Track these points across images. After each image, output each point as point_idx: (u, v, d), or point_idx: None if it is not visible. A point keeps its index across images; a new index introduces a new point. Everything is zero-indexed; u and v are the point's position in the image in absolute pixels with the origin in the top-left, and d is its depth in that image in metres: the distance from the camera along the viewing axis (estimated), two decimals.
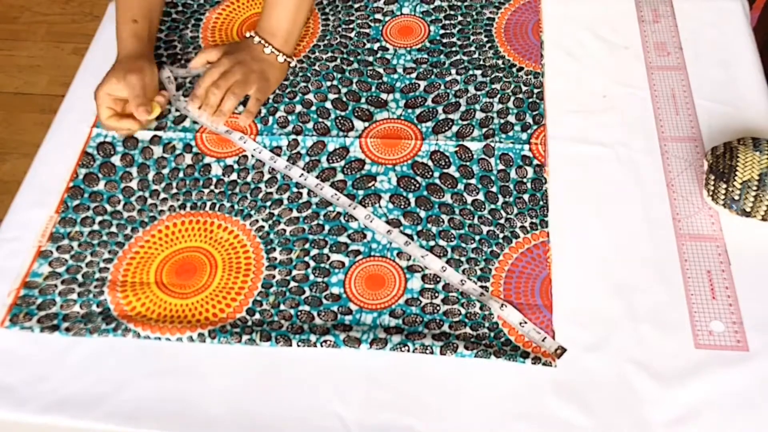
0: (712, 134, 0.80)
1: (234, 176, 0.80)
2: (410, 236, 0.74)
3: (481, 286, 0.70)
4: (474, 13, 0.94)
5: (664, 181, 0.77)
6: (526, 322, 0.67)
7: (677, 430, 0.61)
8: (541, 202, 0.76)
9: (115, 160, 0.82)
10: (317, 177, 0.79)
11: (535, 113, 0.83)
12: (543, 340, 0.66)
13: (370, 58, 0.90)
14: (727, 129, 0.80)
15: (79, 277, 0.73)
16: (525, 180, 0.78)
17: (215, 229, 0.76)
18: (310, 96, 0.87)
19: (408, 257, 0.73)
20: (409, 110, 0.85)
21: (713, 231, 0.73)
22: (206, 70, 0.86)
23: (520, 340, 0.67)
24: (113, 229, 0.77)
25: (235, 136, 0.83)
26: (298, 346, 0.67)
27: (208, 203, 0.78)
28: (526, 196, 0.76)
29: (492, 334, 0.68)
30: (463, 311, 0.69)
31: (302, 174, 0.79)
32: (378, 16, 0.95)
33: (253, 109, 0.84)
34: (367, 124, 0.84)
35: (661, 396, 0.63)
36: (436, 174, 0.79)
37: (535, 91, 0.85)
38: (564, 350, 0.65)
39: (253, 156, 0.81)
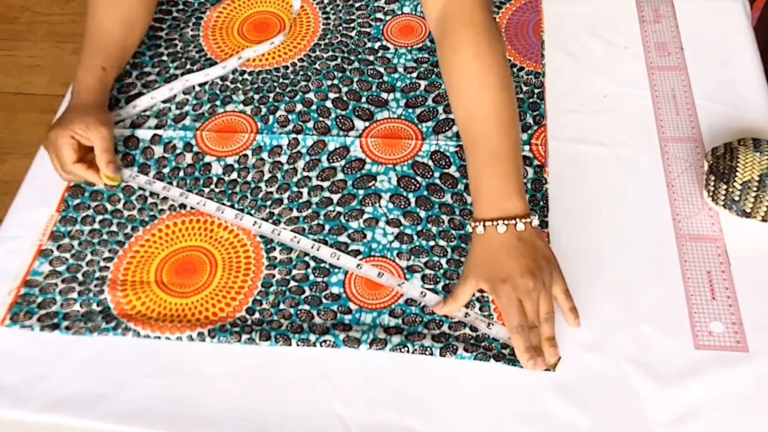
0: (713, 135, 0.80)
1: (234, 175, 0.80)
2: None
3: (480, 296, 0.70)
4: None
5: (664, 182, 0.77)
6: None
7: (677, 430, 0.61)
8: (541, 203, 0.76)
9: (116, 159, 0.82)
10: (317, 177, 0.79)
11: (535, 113, 0.83)
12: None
13: (371, 58, 0.90)
14: (728, 129, 0.80)
15: (80, 276, 0.73)
16: (525, 180, 0.78)
17: (215, 228, 0.76)
18: (311, 95, 0.87)
19: (408, 257, 0.73)
20: (410, 110, 0.85)
21: (713, 231, 0.73)
22: (507, 318, 0.66)
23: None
24: (113, 228, 0.77)
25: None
26: (298, 345, 0.67)
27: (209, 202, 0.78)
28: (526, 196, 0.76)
29: (491, 336, 0.67)
30: (462, 311, 0.69)
31: (259, 224, 0.76)
32: (379, 15, 0.95)
33: (568, 303, 0.67)
34: (367, 123, 0.84)
35: (661, 396, 0.63)
36: (437, 174, 0.79)
37: (536, 91, 0.85)
38: (558, 360, 0.65)
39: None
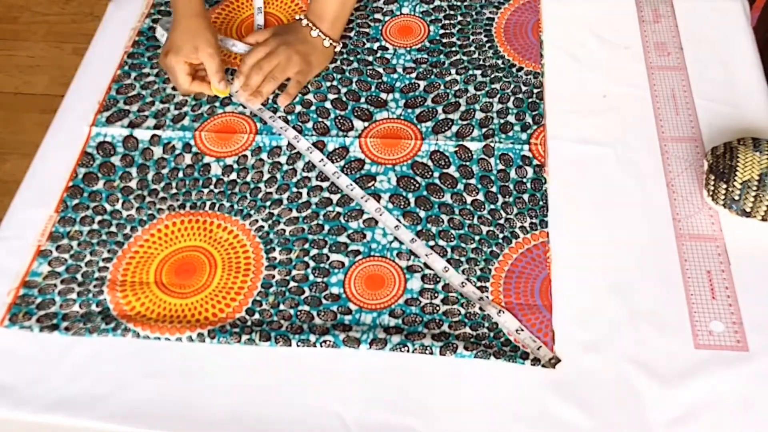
0: (712, 134, 0.80)
1: (233, 176, 0.80)
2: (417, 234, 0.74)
3: (481, 287, 0.70)
4: (474, 12, 0.94)
5: (664, 181, 0.77)
6: (522, 330, 0.67)
7: (677, 430, 0.61)
8: (540, 203, 0.76)
9: (115, 160, 0.82)
10: (317, 177, 0.79)
11: (534, 113, 0.83)
12: (538, 349, 0.66)
13: (370, 58, 0.90)
14: (727, 129, 0.80)
15: (79, 276, 0.73)
16: (525, 180, 0.78)
17: (215, 229, 0.76)
18: (310, 96, 0.87)
19: (408, 257, 0.73)
20: (409, 110, 0.84)
21: (713, 231, 0.73)
22: (252, 49, 0.88)
23: (520, 341, 0.67)
24: (113, 228, 0.77)
25: (266, 114, 0.85)
26: (298, 346, 0.67)
27: (208, 203, 0.78)
28: (525, 197, 0.76)
29: (492, 335, 0.67)
30: (462, 311, 0.69)
31: (322, 160, 0.80)
32: (378, 15, 0.95)
33: (292, 91, 0.86)
34: (366, 123, 0.84)
35: (661, 396, 0.63)
36: (436, 174, 0.79)
37: (535, 91, 0.85)
38: (558, 360, 0.65)
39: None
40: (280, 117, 0.85)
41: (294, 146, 0.82)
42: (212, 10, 0.97)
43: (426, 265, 0.72)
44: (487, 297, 0.70)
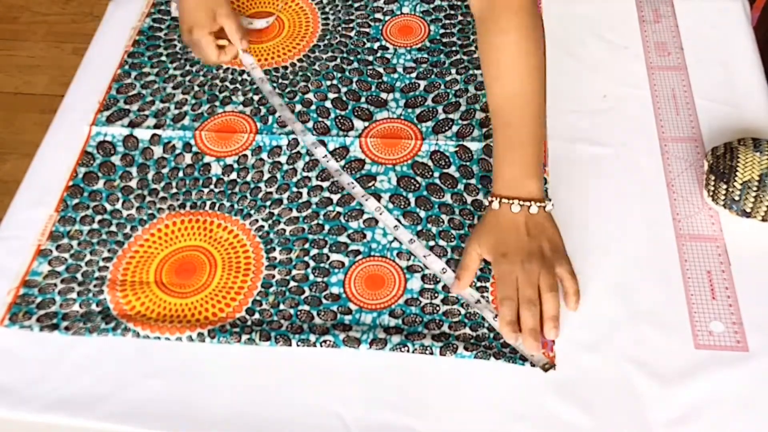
0: (713, 134, 0.80)
1: (234, 176, 0.80)
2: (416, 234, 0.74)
3: (481, 287, 0.70)
4: None
5: (664, 181, 0.77)
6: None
7: (677, 430, 0.61)
8: None
9: (115, 159, 0.82)
10: (317, 177, 0.79)
11: None
12: (533, 355, 0.66)
13: (370, 58, 0.90)
14: (728, 129, 0.80)
15: (79, 276, 0.73)
16: None
17: (215, 229, 0.76)
18: (310, 95, 0.87)
19: (408, 257, 0.73)
20: (409, 110, 0.84)
21: (713, 231, 0.73)
22: (500, 290, 0.67)
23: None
24: (113, 228, 0.77)
25: (276, 100, 0.85)
26: (298, 345, 0.67)
27: (208, 203, 0.78)
28: None
29: (492, 335, 0.67)
30: (462, 311, 0.69)
31: (326, 156, 0.80)
32: (378, 15, 0.95)
33: (574, 287, 0.67)
34: (367, 123, 0.84)
35: (661, 396, 0.63)
36: (436, 174, 0.79)
37: None
38: (552, 366, 0.65)
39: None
40: (288, 107, 0.85)
41: (300, 141, 0.82)
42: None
43: (426, 266, 0.72)
44: (486, 299, 0.70)
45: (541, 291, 0.66)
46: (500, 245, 0.68)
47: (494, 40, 0.76)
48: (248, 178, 0.80)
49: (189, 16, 0.87)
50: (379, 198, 0.77)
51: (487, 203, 0.72)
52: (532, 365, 0.65)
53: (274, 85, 0.88)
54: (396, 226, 0.75)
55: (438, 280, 0.71)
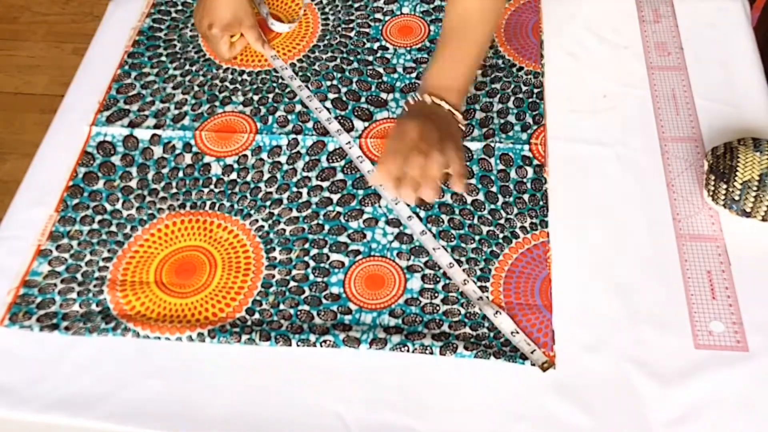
0: (713, 134, 0.80)
1: (234, 176, 0.80)
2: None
3: (481, 286, 0.70)
4: None
5: (664, 181, 0.77)
6: (518, 332, 0.67)
7: (677, 430, 0.61)
8: (541, 202, 0.76)
9: (115, 159, 0.82)
10: (317, 177, 0.79)
11: (535, 113, 0.83)
12: (532, 352, 0.66)
13: (370, 58, 0.90)
14: (728, 129, 0.80)
15: (79, 276, 0.73)
16: (525, 180, 0.78)
17: (215, 229, 0.76)
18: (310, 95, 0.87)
19: (408, 257, 0.73)
20: None
21: (713, 231, 0.73)
22: (393, 143, 0.69)
23: (515, 343, 0.67)
24: (113, 228, 0.77)
25: (304, 93, 0.86)
26: (298, 345, 0.67)
27: (208, 203, 0.78)
28: (526, 196, 0.76)
29: (491, 335, 0.67)
30: (462, 311, 0.69)
31: (349, 142, 0.81)
32: (378, 15, 0.95)
33: (461, 170, 0.68)
34: (367, 123, 0.84)
35: (661, 396, 0.63)
36: None
37: (535, 90, 0.85)
38: (551, 365, 0.65)
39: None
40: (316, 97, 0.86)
41: (327, 129, 0.83)
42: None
43: (426, 265, 0.72)
44: (487, 297, 0.70)
45: (428, 161, 0.66)
46: (411, 115, 0.73)
47: None
48: (248, 178, 0.80)
49: (213, 12, 0.87)
50: (379, 198, 0.77)
51: (414, 101, 0.74)
52: (532, 364, 0.65)
53: (274, 85, 0.88)
54: (410, 216, 0.75)
55: (438, 279, 0.71)
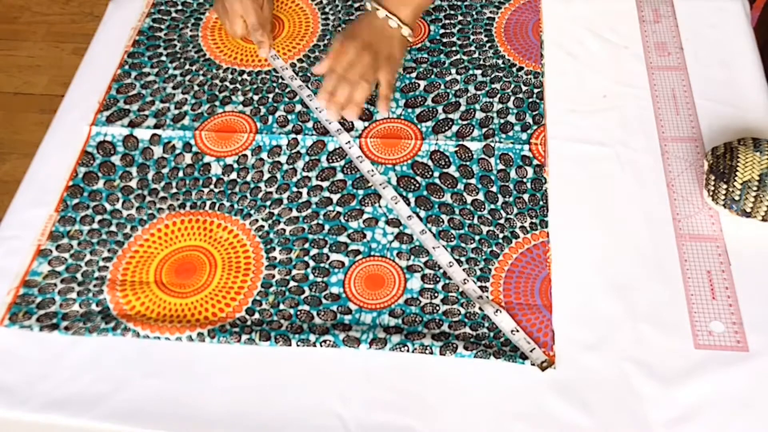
0: (713, 134, 0.80)
1: (234, 175, 0.80)
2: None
3: (481, 286, 0.70)
4: (474, 12, 0.94)
5: (664, 181, 0.77)
6: (517, 331, 0.67)
7: (677, 430, 0.61)
8: (541, 202, 0.76)
9: (115, 159, 0.82)
10: (317, 177, 0.79)
11: (535, 113, 0.83)
12: (531, 351, 0.66)
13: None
14: (728, 129, 0.80)
15: (79, 276, 0.73)
16: (525, 180, 0.78)
17: (215, 229, 0.76)
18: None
19: (408, 257, 0.73)
20: (409, 110, 0.84)
21: (713, 231, 0.73)
22: (330, 61, 0.82)
23: (514, 342, 0.67)
24: (113, 228, 0.77)
25: (305, 92, 0.87)
26: (298, 345, 0.67)
27: (208, 203, 0.78)
28: (526, 196, 0.76)
29: (491, 334, 0.67)
30: (462, 311, 0.69)
31: (349, 142, 0.82)
32: None
33: (388, 93, 0.82)
34: (366, 123, 0.84)
35: (661, 396, 0.63)
36: (436, 174, 0.79)
37: (535, 90, 0.85)
38: (549, 364, 0.65)
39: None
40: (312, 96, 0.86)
41: (327, 128, 0.83)
42: (212, 11, 0.97)
43: (426, 265, 0.72)
44: (487, 296, 0.70)
45: (357, 77, 0.79)
46: (356, 32, 0.83)
47: None
48: (248, 178, 0.80)
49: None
50: (379, 198, 0.77)
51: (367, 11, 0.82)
52: (532, 364, 0.65)
53: (274, 84, 0.88)
54: (410, 216, 0.75)
55: (438, 279, 0.71)
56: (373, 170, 0.78)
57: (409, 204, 0.76)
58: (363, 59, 0.80)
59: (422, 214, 0.76)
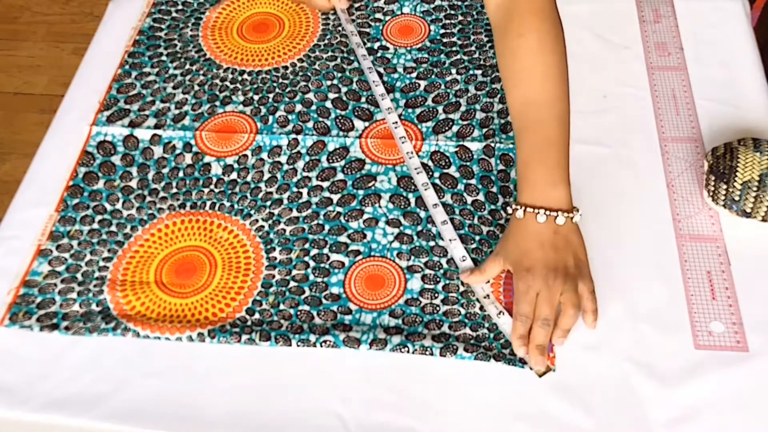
0: (713, 134, 0.80)
1: (234, 175, 0.80)
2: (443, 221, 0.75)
3: (482, 287, 0.70)
4: (474, 12, 0.94)
5: (664, 182, 0.77)
6: None
7: (677, 430, 0.61)
8: None
9: (115, 159, 0.82)
10: (317, 177, 0.79)
11: None
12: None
13: (371, 58, 0.90)
14: (728, 129, 0.80)
15: (79, 276, 0.73)
16: None
17: (215, 229, 0.76)
18: (310, 95, 0.87)
19: (408, 257, 0.73)
20: (410, 110, 0.84)
21: (713, 231, 0.73)
22: (516, 305, 0.66)
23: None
24: (113, 228, 0.77)
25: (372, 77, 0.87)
26: (298, 346, 0.67)
27: (208, 203, 0.78)
28: None
29: (492, 336, 0.67)
30: (462, 312, 0.69)
31: (402, 137, 0.81)
32: (378, 15, 0.95)
33: (593, 307, 0.66)
34: (367, 123, 0.84)
35: (661, 396, 0.63)
36: (437, 174, 0.79)
37: None
38: (549, 369, 0.65)
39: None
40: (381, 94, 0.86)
41: (379, 107, 0.84)
42: (213, 9, 0.97)
43: (426, 265, 0.72)
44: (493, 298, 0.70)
45: (563, 306, 0.65)
46: (524, 259, 0.66)
47: (512, 44, 0.75)
48: (248, 178, 0.80)
49: None
50: (379, 198, 0.77)
51: (510, 211, 0.70)
52: (531, 369, 0.65)
53: (275, 84, 0.88)
54: (435, 204, 0.75)
55: (438, 280, 0.71)
56: (411, 152, 0.79)
57: (409, 205, 0.76)
58: (556, 285, 0.65)
59: (422, 214, 0.76)
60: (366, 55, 0.88)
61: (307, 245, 0.74)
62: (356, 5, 0.96)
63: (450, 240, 0.73)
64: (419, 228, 0.75)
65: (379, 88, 0.85)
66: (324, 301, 0.71)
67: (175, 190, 0.80)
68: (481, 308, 0.69)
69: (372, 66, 0.86)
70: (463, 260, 0.72)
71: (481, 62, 0.88)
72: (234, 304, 0.71)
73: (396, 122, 0.82)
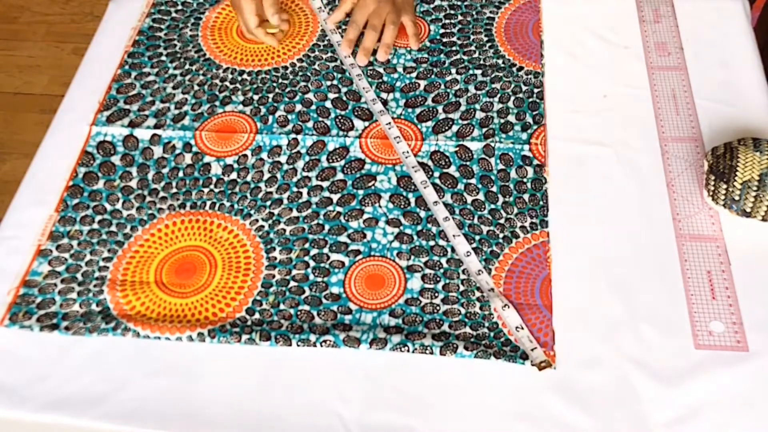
0: (713, 134, 0.80)
1: (234, 175, 0.80)
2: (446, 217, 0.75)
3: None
4: (474, 12, 0.94)
5: (664, 181, 0.77)
6: (522, 328, 0.67)
7: (677, 430, 0.61)
8: (541, 202, 0.76)
9: (115, 159, 0.82)
10: (317, 177, 0.79)
11: (535, 113, 0.83)
12: (532, 350, 0.66)
13: (371, 58, 0.90)
14: (728, 129, 0.80)
15: (79, 276, 0.73)
16: (525, 180, 0.78)
17: (215, 229, 0.76)
18: (310, 95, 0.87)
19: (408, 257, 0.73)
20: (409, 110, 0.84)
21: (713, 231, 0.73)
22: (353, 14, 0.91)
23: (517, 339, 0.67)
24: (113, 228, 0.77)
25: (354, 72, 0.89)
26: (298, 345, 0.67)
27: (208, 203, 0.78)
28: (526, 196, 0.76)
29: (492, 334, 0.67)
30: (463, 311, 0.69)
31: (389, 123, 0.83)
32: None
33: (388, 40, 0.89)
34: (367, 123, 0.84)
35: (661, 396, 0.63)
36: (436, 174, 0.79)
37: (535, 90, 0.85)
38: (549, 364, 0.65)
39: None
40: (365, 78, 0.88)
41: (372, 111, 0.84)
42: (213, 9, 0.97)
43: (426, 265, 0.72)
44: (498, 290, 0.70)
45: (386, 23, 0.89)
46: None
47: None
48: (248, 178, 0.80)
49: None
50: (379, 198, 0.77)
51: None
52: (532, 364, 0.65)
53: (274, 84, 0.88)
54: (436, 202, 0.76)
55: (438, 279, 0.71)
56: (408, 152, 0.80)
57: (409, 205, 0.76)
58: (384, 7, 0.89)
59: (422, 214, 0.76)
60: (354, 64, 0.88)
61: (307, 245, 0.74)
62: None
63: (454, 236, 0.73)
64: (419, 228, 0.75)
65: (370, 93, 0.85)
66: (324, 300, 0.71)
67: (175, 190, 0.80)
68: (481, 308, 0.69)
69: (361, 74, 0.87)
70: (468, 255, 0.72)
71: (481, 62, 0.88)
72: (234, 304, 0.71)
73: (389, 123, 0.82)
